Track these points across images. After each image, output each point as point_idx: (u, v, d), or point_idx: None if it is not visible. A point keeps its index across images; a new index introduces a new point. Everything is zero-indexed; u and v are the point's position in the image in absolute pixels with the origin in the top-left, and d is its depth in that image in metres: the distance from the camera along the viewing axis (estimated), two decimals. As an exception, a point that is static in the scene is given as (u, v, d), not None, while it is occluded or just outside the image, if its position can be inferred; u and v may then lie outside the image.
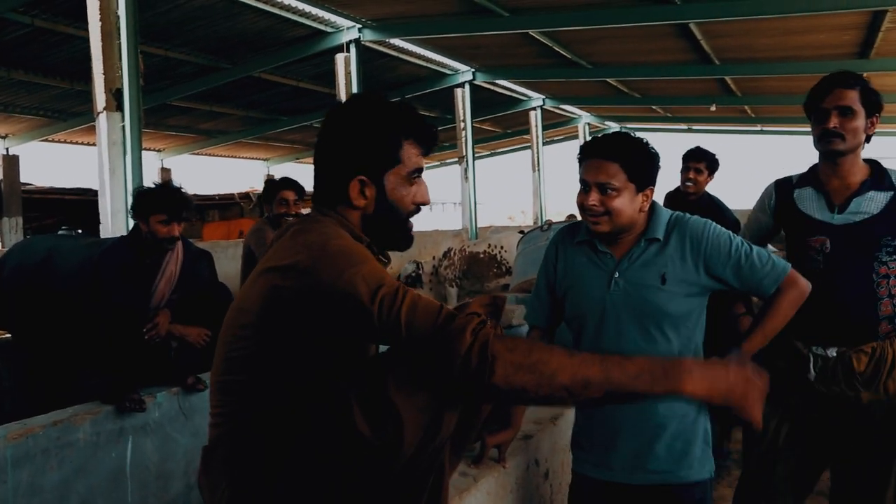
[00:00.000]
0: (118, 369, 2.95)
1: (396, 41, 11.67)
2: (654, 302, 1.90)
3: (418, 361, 1.29)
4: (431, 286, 9.16)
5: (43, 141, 15.82)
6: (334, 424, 1.27)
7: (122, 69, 6.95)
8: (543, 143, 17.82)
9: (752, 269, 1.92)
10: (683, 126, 21.93)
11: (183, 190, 3.16)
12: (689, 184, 4.06)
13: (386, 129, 1.47)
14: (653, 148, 1.96)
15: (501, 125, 20.36)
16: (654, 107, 18.20)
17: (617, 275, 1.94)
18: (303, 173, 24.05)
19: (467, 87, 14.08)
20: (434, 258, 9.27)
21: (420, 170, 1.53)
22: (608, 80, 14.39)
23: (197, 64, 11.48)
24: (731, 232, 1.98)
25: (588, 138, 18.44)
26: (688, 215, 2.02)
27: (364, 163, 1.46)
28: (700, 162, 4.04)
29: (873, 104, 2.28)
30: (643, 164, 1.91)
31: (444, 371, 1.24)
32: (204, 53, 11.12)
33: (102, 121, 6.92)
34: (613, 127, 22.63)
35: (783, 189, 2.47)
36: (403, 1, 9.55)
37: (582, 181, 1.94)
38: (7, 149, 15.30)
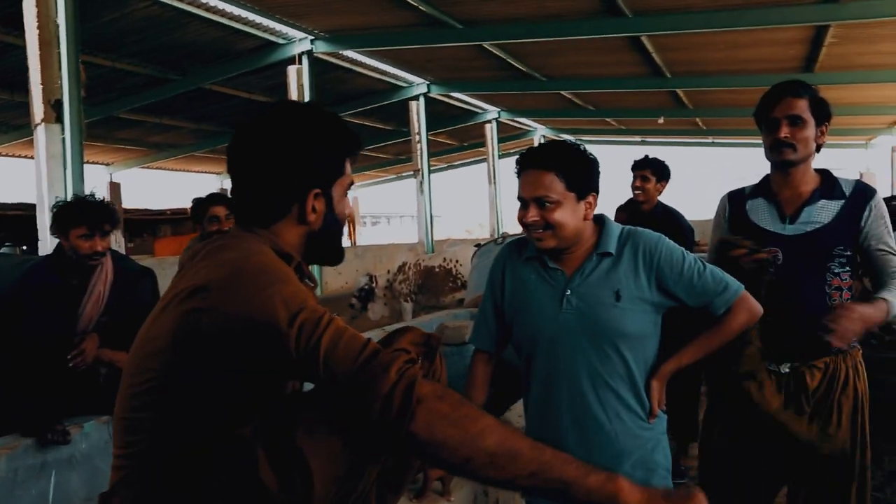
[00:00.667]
0: (39, 399, 2.75)
1: (350, 53, 11.55)
2: (609, 320, 1.81)
3: (334, 402, 1.14)
4: (386, 301, 9.02)
5: (-10, 155, 15.28)
6: (239, 475, 1.11)
7: (62, 79, 6.70)
8: (499, 156, 17.88)
9: (703, 287, 1.85)
10: (637, 138, 22.22)
11: (105, 201, 2.97)
12: (637, 192, 4.03)
13: (336, 139, 1.38)
14: (590, 153, 1.87)
15: (457, 138, 20.36)
16: (608, 119, 18.41)
17: (569, 292, 1.85)
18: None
19: (422, 99, 14.03)
20: (388, 272, 9.13)
21: (353, 182, 1.46)
22: (563, 92, 14.50)
23: (145, 75, 11.18)
24: (684, 249, 1.91)
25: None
26: (640, 229, 1.94)
27: (319, 173, 1.35)
28: (645, 169, 4.02)
29: (823, 113, 2.24)
30: (581, 171, 1.82)
31: (362, 413, 1.10)
32: (152, 64, 10.83)
33: (41, 133, 6.65)
34: (568, 140, 22.81)
35: (736, 200, 2.42)
36: (357, 12, 9.44)
37: (519, 198, 1.84)
38: (-55, 163, 14.70)
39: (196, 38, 9.89)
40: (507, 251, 2.02)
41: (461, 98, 15.91)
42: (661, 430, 1.93)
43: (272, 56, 10.72)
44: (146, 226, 19.45)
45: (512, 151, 22.96)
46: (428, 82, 13.87)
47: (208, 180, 21.95)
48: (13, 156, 16.53)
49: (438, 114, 16.33)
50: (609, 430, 1.84)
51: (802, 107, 2.21)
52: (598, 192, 1.87)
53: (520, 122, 19.92)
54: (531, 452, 1.13)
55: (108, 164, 18.61)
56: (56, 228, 2.89)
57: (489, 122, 17.50)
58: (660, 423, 1.93)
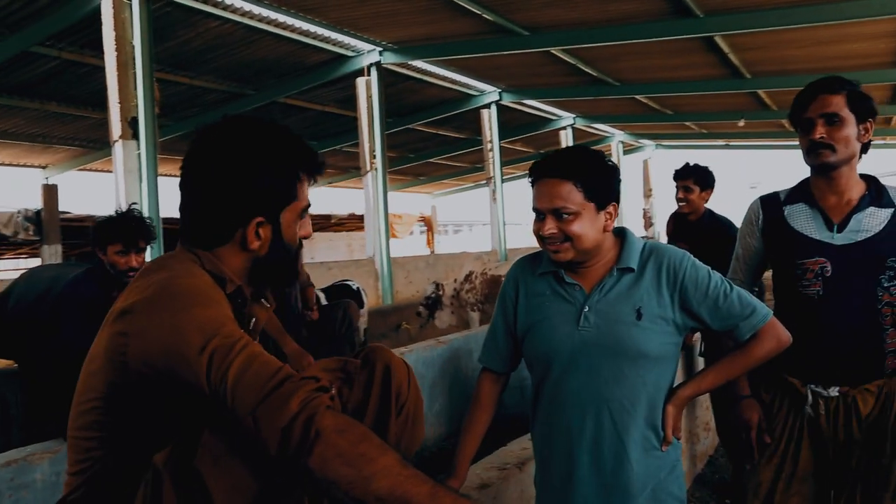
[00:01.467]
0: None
1: (420, 63, 11.64)
2: (629, 339, 1.70)
3: (240, 430, 1.09)
4: (453, 309, 8.98)
5: (80, 170, 16.19)
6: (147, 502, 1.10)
7: (137, 98, 7.03)
8: (574, 163, 17.54)
9: (729, 310, 1.73)
10: (721, 142, 21.46)
11: (143, 218, 3.06)
12: (681, 203, 3.86)
13: (286, 163, 1.32)
14: (610, 160, 1.77)
15: (533, 145, 20.19)
16: (687, 123, 17.85)
17: (587, 308, 1.73)
18: (336, 197, 24.21)
19: (494, 107, 14.00)
20: (455, 280, 9.10)
21: (309, 204, 1.40)
22: (638, 97, 14.15)
23: (222, 91, 11.61)
24: (710, 268, 1.78)
25: (621, 156, 18.13)
26: (664, 245, 1.82)
27: (264, 201, 1.30)
28: (688, 179, 3.83)
29: (865, 109, 2.05)
30: (600, 179, 1.71)
31: (263, 444, 1.05)
32: (228, 81, 11.24)
33: (118, 149, 6.99)
34: (648, 145, 22.28)
35: (770, 206, 2.24)
36: (422, 23, 9.52)
37: (535, 209, 1.73)
38: (46, 178, 15.67)
39: (268, 54, 10.20)
40: (519, 267, 1.92)
41: (535, 105, 15.76)
42: (675, 457, 1.81)
43: (342, 69, 10.92)
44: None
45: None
46: (499, 90, 13.82)
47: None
48: (108, 171, 17.45)
49: (512, 121, 16.26)
50: (624, 459, 1.72)
51: (839, 103, 2.03)
52: (618, 202, 1.77)
53: (596, 129, 19.56)
54: (428, 501, 1.05)
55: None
56: (95, 243, 3.00)
57: (564, 128, 17.27)
58: (673, 450, 1.80)
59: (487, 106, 14.02)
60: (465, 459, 1.86)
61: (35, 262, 15.28)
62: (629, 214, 20.49)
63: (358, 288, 8.64)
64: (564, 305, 1.77)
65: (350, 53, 10.73)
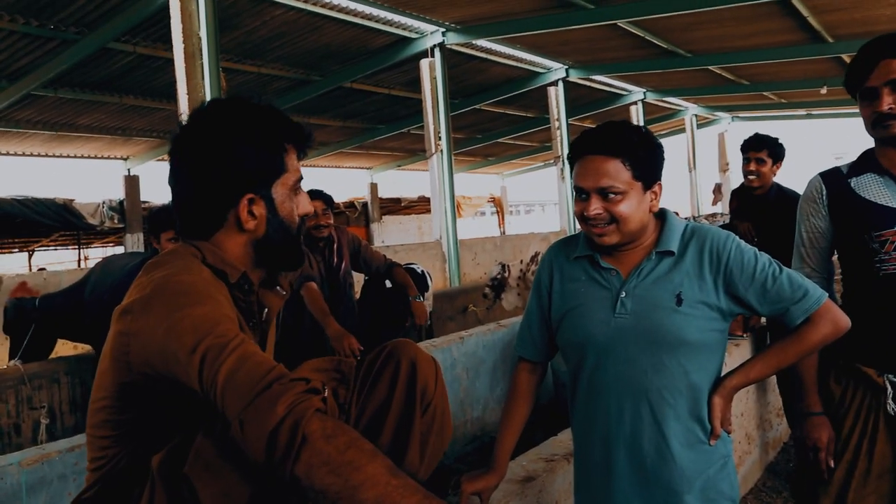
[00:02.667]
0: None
1: (484, 43, 11.51)
2: (668, 326, 1.60)
3: (231, 434, 1.06)
4: (519, 291, 8.93)
5: (159, 161, 16.75)
6: None
7: (204, 88, 7.19)
8: (646, 138, 17.09)
9: (779, 293, 1.61)
10: (801, 112, 20.48)
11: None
12: (751, 176, 3.62)
13: (268, 133, 1.29)
14: (655, 137, 1.68)
15: (602, 122, 19.74)
16: (765, 93, 17.09)
17: (623, 294, 1.65)
18: (406, 180, 24.34)
19: (561, 84, 13.72)
20: (521, 262, 9.03)
21: (302, 178, 1.37)
22: (711, 68, 13.60)
23: (289, 78, 11.78)
24: (756, 249, 1.67)
25: (695, 130, 17.44)
26: (706, 226, 1.72)
27: (250, 176, 1.28)
28: (760, 150, 3.59)
29: None
30: (648, 157, 1.63)
31: (250, 450, 1.02)
32: (294, 68, 11.38)
33: (188, 139, 7.18)
34: (723, 118, 21.46)
35: (833, 180, 2.08)
36: (486, 1, 9.39)
37: (577, 188, 1.64)
38: (128, 169, 16.30)
39: (332, 40, 10.27)
40: (553, 251, 1.84)
41: (603, 81, 15.39)
42: (725, 453, 1.71)
43: (406, 51, 10.90)
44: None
45: (662, 133, 21.99)
46: (566, 66, 13.55)
47: (360, 175, 22.80)
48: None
49: (581, 98, 15.94)
50: (666, 453, 1.63)
51: None
52: (661, 182, 1.68)
53: (668, 102, 18.96)
54: None
55: (267, 164, 19.81)
56: (150, 231, 3.07)
57: (634, 103, 16.81)
58: (723, 445, 1.70)
59: (554, 83, 13.76)
60: (505, 453, 1.81)
61: (119, 250, 16.01)
62: (674, 191, 19.83)
63: (423, 271, 8.69)
64: (600, 291, 1.70)
65: (413, 35, 10.70)
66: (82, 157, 15.53)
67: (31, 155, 14.84)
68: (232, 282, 1.26)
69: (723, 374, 1.71)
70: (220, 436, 1.09)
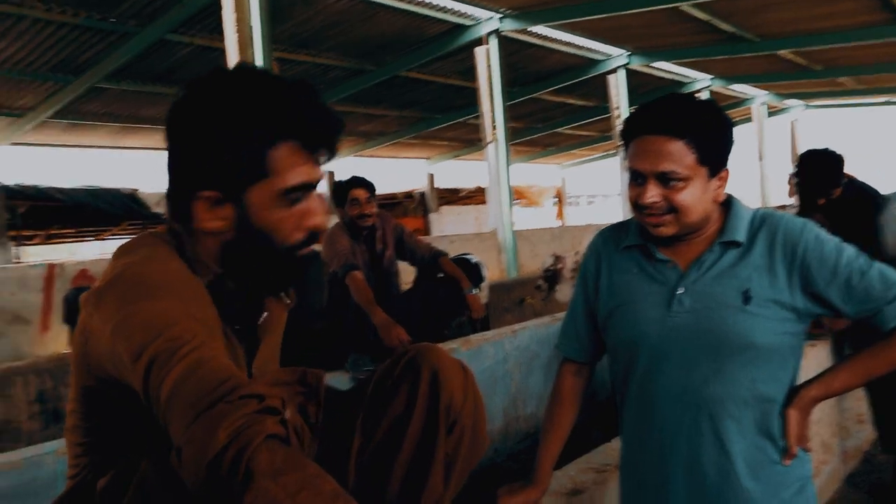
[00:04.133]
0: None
1: (540, 29, 11.22)
2: (733, 328, 1.39)
3: (171, 462, 0.87)
4: (574, 282, 8.67)
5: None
6: None
7: (257, 77, 7.16)
8: (711, 127, 16.52)
9: (867, 291, 1.38)
10: (881, 99, 19.45)
11: None
12: None
13: (249, 126, 1.03)
14: (726, 113, 1.45)
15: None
16: (840, 79, 16.26)
17: (681, 290, 1.45)
18: (465, 170, 24.17)
19: (621, 72, 13.32)
20: (576, 253, 8.76)
21: (308, 185, 1.09)
22: (782, 52, 12.97)
23: (343, 68, 11.74)
24: (839, 239, 1.45)
25: (765, 119, 16.74)
26: (778, 213, 1.50)
27: (213, 173, 1.04)
28: None
29: None
30: (717, 138, 1.41)
31: (188, 483, 0.83)
32: (349, 57, 11.33)
33: (240, 129, 7.17)
34: (795, 106, 20.56)
35: None
36: (542, -14, 9.14)
37: (632, 171, 1.43)
38: (189, 160, 16.59)
39: (387, 29, 10.16)
40: (601, 239, 1.64)
41: (666, 68, 14.89)
42: (803, 475, 1.48)
43: (461, 39, 10.72)
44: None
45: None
46: (627, 53, 13.13)
47: (418, 165, 22.75)
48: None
49: (642, 86, 15.46)
50: (730, 474, 1.42)
51: None
52: (728, 168, 1.46)
53: (735, 90, 18.25)
54: None
55: (325, 155, 19.93)
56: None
57: (699, 91, 16.21)
58: (800, 466, 1.47)
59: (615, 70, 13.36)
60: (547, 464, 1.62)
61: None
62: (742, 183, 19.08)
63: (477, 262, 8.52)
64: (654, 286, 1.49)
65: (469, 22, 10.50)
66: (147, 148, 15.86)
67: (99, 147, 15.23)
68: (204, 282, 1.08)
69: (799, 382, 1.48)
70: (165, 462, 0.91)
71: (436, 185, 21.57)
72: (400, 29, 10.29)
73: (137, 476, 0.93)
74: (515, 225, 11.37)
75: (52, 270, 6.80)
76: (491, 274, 10.38)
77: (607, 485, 1.91)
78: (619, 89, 13.44)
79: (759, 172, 19.07)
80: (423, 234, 20.53)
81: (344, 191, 3.60)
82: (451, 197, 22.42)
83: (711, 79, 16.14)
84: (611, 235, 1.62)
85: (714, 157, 1.40)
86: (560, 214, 24.02)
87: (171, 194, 1.11)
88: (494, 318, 8.44)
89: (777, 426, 1.44)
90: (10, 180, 12.84)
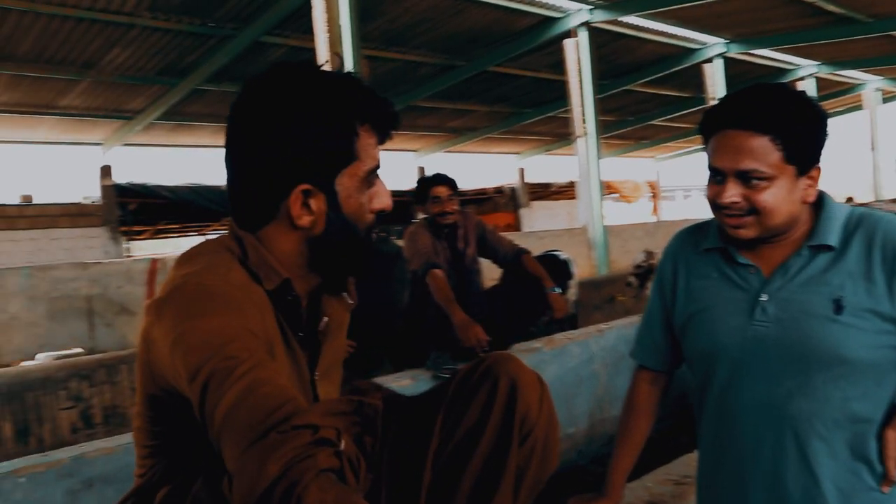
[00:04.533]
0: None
1: (632, 19, 10.93)
2: (822, 340, 1.28)
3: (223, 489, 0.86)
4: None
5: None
6: None
7: (347, 77, 7.29)
8: (818, 117, 15.67)
9: None
10: None
11: None
12: None
13: (335, 113, 1.04)
14: (819, 106, 1.30)
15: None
16: (966, 61, 15.09)
17: (765, 297, 1.34)
18: (554, 165, 23.89)
19: (718, 61, 12.80)
20: (669, 250, 8.50)
21: (379, 167, 1.11)
22: (897, 34, 12.18)
23: (433, 64, 11.83)
24: None
25: (877, 106, 15.61)
26: (877, 212, 1.36)
27: (307, 164, 1.04)
28: None
29: None
30: (807, 134, 1.28)
31: None
32: (438, 53, 11.40)
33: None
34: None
35: None
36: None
37: (712, 168, 1.32)
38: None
39: (475, 23, 10.16)
40: (679, 241, 1.53)
41: (767, 55, 14.20)
42: None
43: (550, 31, 10.59)
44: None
45: (836, 111, 20.06)
46: (725, 41, 12.62)
47: (508, 160, 22.66)
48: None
49: (742, 76, 14.81)
50: (817, 498, 1.30)
51: None
52: (820, 165, 1.33)
53: (844, 76, 17.22)
54: None
55: (415, 151, 20.13)
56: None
57: (802, 79, 15.41)
58: None
59: (711, 60, 12.86)
60: (619, 476, 1.54)
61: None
62: (853, 174, 17.92)
63: (566, 258, 8.38)
64: (735, 292, 1.38)
65: (558, 14, 10.36)
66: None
67: (201, 146, 15.93)
68: (268, 289, 1.06)
69: None
70: (218, 484, 0.90)
71: (526, 180, 21.43)
72: (489, 23, 10.26)
73: (192, 495, 0.93)
74: (606, 220, 11.15)
75: (154, 265, 7.16)
76: (581, 271, 10.22)
77: (686, 499, 1.82)
78: (715, 79, 12.94)
79: (871, 163, 17.94)
80: (513, 229, 20.43)
81: (426, 188, 3.60)
82: (543, 192, 22.20)
83: (818, 65, 15.30)
84: (689, 237, 1.51)
85: (803, 154, 1.28)
86: (655, 209, 23.39)
87: (245, 198, 1.11)
88: (583, 316, 8.29)
89: (874, 449, 1.30)
90: (122, 179, 13.65)
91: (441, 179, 3.59)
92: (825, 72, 15.63)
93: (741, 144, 1.27)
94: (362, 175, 1.09)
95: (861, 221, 1.33)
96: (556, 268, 8.40)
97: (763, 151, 1.25)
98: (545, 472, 1.29)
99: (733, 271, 1.40)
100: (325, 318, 1.19)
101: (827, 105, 17.85)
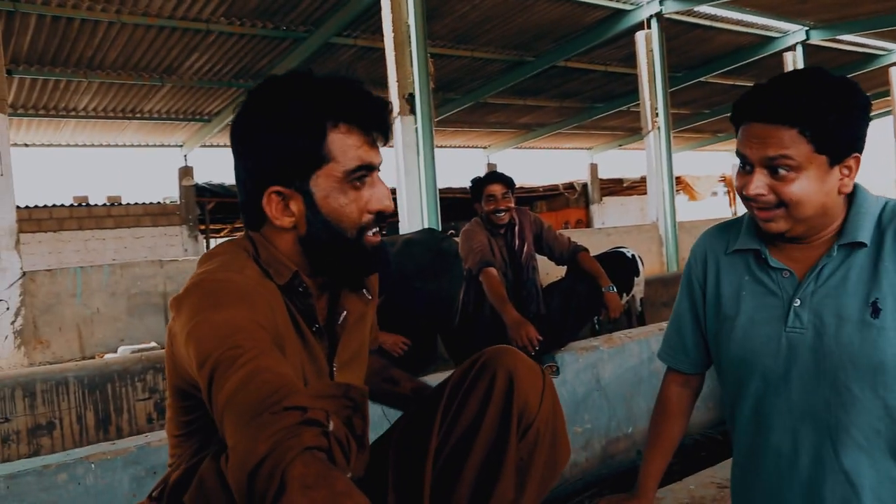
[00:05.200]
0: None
1: (705, 9, 10.61)
2: (859, 345, 1.22)
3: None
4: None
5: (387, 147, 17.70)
6: None
7: (413, 75, 7.37)
8: (909, 105, 14.87)
9: None
10: None
11: None
12: None
13: (298, 115, 1.07)
14: (859, 90, 1.21)
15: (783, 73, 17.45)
16: None
17: (798, 303, 1.28)
18: (627, 160, 23.48)
19: (799, 49, 12.30)
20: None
21: (367, 166, 1.11)
22: None
23: (502, 60, 11.79)
24: None
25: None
26: None
27: (276, 164, 1.09)
28: None
29: None
30: (840, 123, 1.19)
31: (232, 484, 0.85)
32: (506, 50, 11.37)
33: (398, 125, 7.41)
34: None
35: None
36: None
37: (739, 154, 1.27)
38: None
39: (542, 18, 10.08)
40: (709, 239, 1.46)
41: (853, 41, 13.54)
42: None
43: (620, 24, 10.40)
44: (523, 202, 20.63)
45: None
46: (806, 27, 12.11)
47: (580, 156, 22.40)
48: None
49: (825, 63, 14.18)
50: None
51: None
52: (861, 151, 1.25)
53: (940, 61, 16.26)
54: None
55: (485, 147, 20.13)
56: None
57: (895, 63, 14.62)
58: None
59: (792, 48, 12.36)
60: (651, 479, 1.51)
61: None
62: None
63: (633, 255, 8.21)
64: (768, 297, 1.33)
65: (628, 7, 10.17)
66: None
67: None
68: (280, 283, 1.11)
69: None
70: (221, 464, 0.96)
71: (598, 176, 21.12)
72: (558, 18, 10.16)
73: (199, 473, 0.98)
74: (679, 216, 10.89)
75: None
76: (650, 267, 10.02)
77: (727, 501, 1.78)
78: (795, 67, 12.43)
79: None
80: (584, 225, 20.18)
81: (480, 186, 3.61)
82: (615, 187, 21.84)
83: (910, 50, 14.51)
84: (718, 236, 1.45)
85: (836, 143, 1.20)
86: (732, 203, 22.67)
87: (244, 202, 1.17)
88: (651, 313, 8.14)
89: None
90: (201, 179, 14.20)
91: (496, 178, 3.60)
92: (918, 57, 14.81)
93: (767, 136, 1.21)
94: (340, 175, 1.10)
95: (895, 215, 1.25)
96: (623, 265, 8.30)
97: (790, 142, 1.19)
98: (554, 467, 1.29)
99: (766, 275, 1.34)
100: (345, 313, 1.23)
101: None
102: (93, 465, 2.19)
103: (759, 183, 1.23)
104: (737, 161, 1.30)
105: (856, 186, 1.30)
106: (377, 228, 1.16)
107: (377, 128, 1.13)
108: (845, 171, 1.24)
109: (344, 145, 1.10)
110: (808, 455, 1.29)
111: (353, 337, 1.25)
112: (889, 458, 1.25)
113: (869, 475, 1.25)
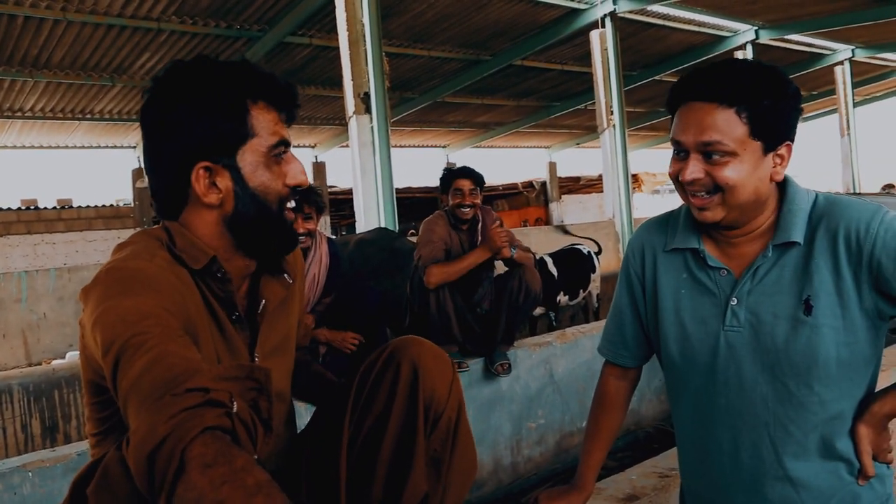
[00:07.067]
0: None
1: (659, 8, 10.76)
2: (793, 343, 1.23)
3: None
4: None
5: (343, 147, 17.60)
6: None
7: (368, 74, 7.32)
8: (855, 104, 15.29)
9: None
10: None
11: (311, 186, 3.09)
12: None
13: (223, 92, 1.09)
14: (790, 80, 1.23)
15: (803, 88, 17.91)
16: None
17: (734, 301, 1.29)
18: (585, 158, 23.73)
19: (749, 48, 12.56)
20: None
21: (285, 142, 1.15)
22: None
23: (459, 59, 11.80)
24: None
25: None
26: (843, 198, 1.27)
27: (203, 143, 1.09)
28: None
29: None
30: (776, 108, 1.20)
31: (132, 467, 0.83)
32: (463, 48, 11.38)
33: (353, 124, 7.34)
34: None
35: None
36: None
37: (674, 142, 1.27)
38: (315, 156, 17.28)
39: (498, 17, 10.12)
40: (645, 233, 1.46)
41: (800, 40, 13.89)
42: (884, 493, 1.31)
43: (575, 23, 10.49)
44: (484, 201, 20.66)
45: (872, 97, 19.53)
46: (755, 27, 12.37)
47: (537, 154, 22.54)
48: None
49: (773, 62, 14.44)
50: (795, 502, 1.28)
51: None
52: (793, 141, 1.25)
53: (884, 60, 16.75)
54: None
55: (444, 147, 20.14)
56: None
57: (839, 63, 15.03)
58: (880, 484, 1.30)
59: (742, 47, 12.62)
60: (591, 469, 1.52)
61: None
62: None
63: (589, 252, 8.31)
64: (705, 296, 1.33)
65: (583, 6, 10.26)
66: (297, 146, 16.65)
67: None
68: (195, 268, 1.10)
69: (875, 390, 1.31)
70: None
71: (557, 174, 21.28)
72: (513, 17, 10.20)
73: (103, 463, 0.95)
74: (637, 212, 11.03)
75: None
76: (608, 263, 10.13)
77: (669, 491, 1.79)
78: (747, 66, 12.69)
79: (912, 149, 17.43)
80: (544, 223, 20.32)
81: (450, 179, 3.58)
82: (573, 185, 22.04)
83: (853, 49, 14.91)
84: (656, 231, 1.44)
85: (770, 129, 1.21)
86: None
87: (163, 185, 1.15)
88: (608, 308, 8.22)
89: (849, 445, 1.27)
90: (155, 180, 13.92)
91: (466, 173, 3.58)
92: (862, 55, 15.22)
93: (705, 117, 1.21)
94: (264, 150, 1.13)
95: (825, 212, 1.26)
96: (580, 262, 8.36)
97: (727, 125, 1.20)
98: (467, 463, 1.29)
99: (704, 274, 1.34)
100: (263, 301, 1.22)
101: (865, 90, 17.42)
102: (30, 474, 2.12)
103: (695, 168, 1.24)
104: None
105: (787, 179, 1.31)
106: (293, 203, 1.19)
107: (289, 106, 1.16)
108: (777, 160, 1.25)
109: (264, 120, 1.13)
110: (748, 452, 1.31)
111: (276, 326, 1.24)
112: (823, 449, 1.27)
113: (805, 470, 1.27)
